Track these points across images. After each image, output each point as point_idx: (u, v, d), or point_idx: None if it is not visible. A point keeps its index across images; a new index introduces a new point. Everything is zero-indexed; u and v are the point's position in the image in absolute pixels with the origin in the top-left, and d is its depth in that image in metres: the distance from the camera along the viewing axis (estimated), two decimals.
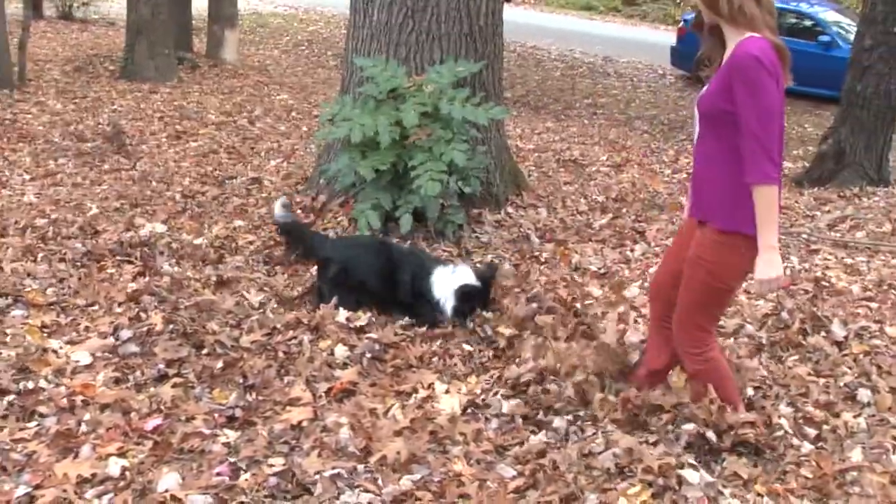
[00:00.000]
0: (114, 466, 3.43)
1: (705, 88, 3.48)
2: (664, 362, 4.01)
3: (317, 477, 3.42)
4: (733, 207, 3.38)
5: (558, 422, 3.86)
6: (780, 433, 3.77)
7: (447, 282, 4.88)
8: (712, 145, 3.45)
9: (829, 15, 17.11)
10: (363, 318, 4.83)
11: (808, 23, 16.88)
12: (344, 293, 5.00)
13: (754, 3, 3.31)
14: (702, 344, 3.65)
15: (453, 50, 6.43)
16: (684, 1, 29.39)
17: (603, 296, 5.28)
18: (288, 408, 3.97)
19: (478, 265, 5.39)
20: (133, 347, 4.40)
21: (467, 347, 4.63)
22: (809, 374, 4.37)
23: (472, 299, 4.87)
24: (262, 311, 4.91)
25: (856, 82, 8.98)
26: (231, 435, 3.74)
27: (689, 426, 3.66)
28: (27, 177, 7.94)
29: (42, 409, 3.80)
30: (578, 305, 5.00)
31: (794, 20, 17.11)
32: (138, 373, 4.20)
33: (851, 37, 10.21)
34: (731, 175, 3.36)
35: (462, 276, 4.91)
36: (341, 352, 4.47)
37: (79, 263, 5.48)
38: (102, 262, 5.51)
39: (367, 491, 3.37)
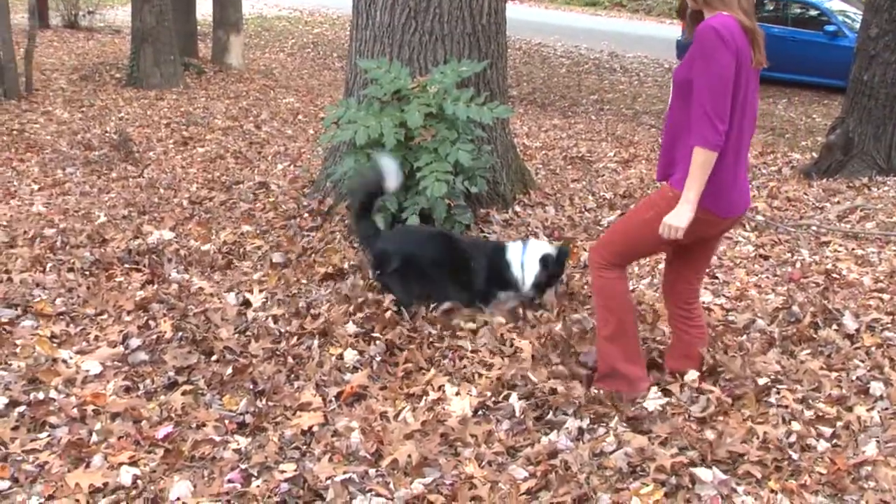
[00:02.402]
0: (125, 475, 3.43)
1: (681, 61, 3.65)
2: (680, 368, 4.15)
3: (328, 482, 3.41)
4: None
5: (570, 422, 3.84)
6: (793, 439, 3.72)
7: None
8: (681, 113, 3.61)
9: (834, 4, 17.05)
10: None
11: (813, 13, 16.84)
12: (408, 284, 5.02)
13: None
14: (610, 267, 3.88)
15: (456, 50, 6.42)
16: None
17: None
18: (298, 413, 3.96)
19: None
20: (142, 356, 4.41)
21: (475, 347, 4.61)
22: (822, 369, 4.33)
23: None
24: (272, 316, 4.90)
25: (862, 71, 8.92)
26: (242, 441, 3.74)
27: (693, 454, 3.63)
28: (35, 187, 7.96)
29: (53, 419, 3.81)
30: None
31: (799, 10, 17.08)
32: (148, 381, 4.20)
33: (857, 25, 10.14)
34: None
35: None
36: (351, 356, 4.46)
37: (87, 272, 5.49)
38: (111, 271, 5.51)
39: (378, 495, 3.36)
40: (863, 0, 11.23)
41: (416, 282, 4.97)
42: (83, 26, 20.77)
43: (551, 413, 3.93)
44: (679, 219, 3.51)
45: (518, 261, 4.92)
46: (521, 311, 5.03)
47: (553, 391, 4.03)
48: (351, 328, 4.70)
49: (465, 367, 4.40)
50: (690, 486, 3.37)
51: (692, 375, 4.09)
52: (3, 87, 11.95)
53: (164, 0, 13.44)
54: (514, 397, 4.06)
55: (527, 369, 4.25)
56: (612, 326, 3.95)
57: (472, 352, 4.55)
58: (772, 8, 17.54)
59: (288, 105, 12.92)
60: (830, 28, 16.05)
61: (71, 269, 5.51)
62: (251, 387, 4.17)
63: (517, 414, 3.94)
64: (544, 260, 4.87)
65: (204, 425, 3.83)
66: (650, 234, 3.66)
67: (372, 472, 3.51)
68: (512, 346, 4.58)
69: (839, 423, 3.86)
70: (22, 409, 3.86)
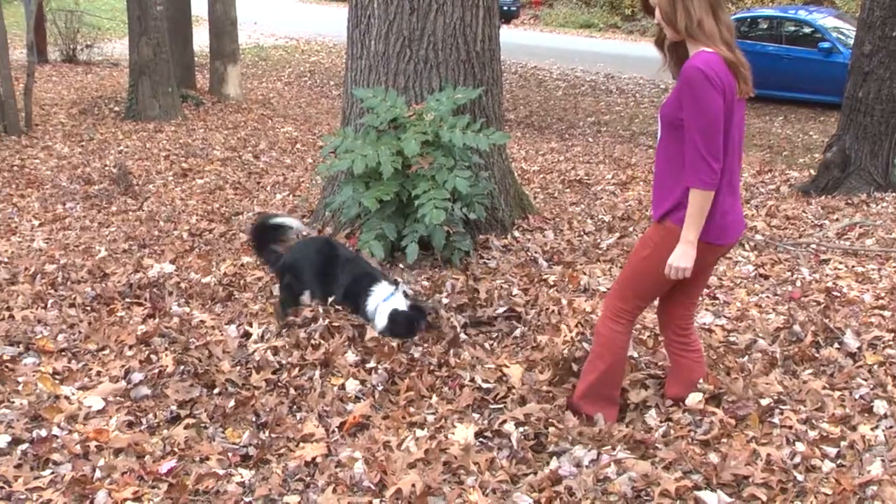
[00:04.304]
0: None
1: (667, 96, 3.68)
2: (680, 395, 4.14)
3: None
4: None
5: (571, 448, 3.82)
6: (798, 459, 3.71)
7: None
8: (671, 148, 3.62)
9: (828, 21, 17.13)
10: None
11: (807, 30, 16.91)
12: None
13: (713, 19, 3.45)
14: (618, 318, 3.92)
15: (451, 77, 6.45)
16: None
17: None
18: (301, 444, 3.96)
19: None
20: (145, 390, 4.40)
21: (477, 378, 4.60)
22: (825, 388, 4.33)
23: None
24: (272, 348, 4.90)
25: (857, 88, 8.95)
26: (245, 474, 3.73)
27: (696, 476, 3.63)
28: (36, 222, 7.99)
29: (56, 456, 3.79)
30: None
31: (793, 28, 17.16)
32: (151, 415, 4.19)
33: (851, 42, 10.18)
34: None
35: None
36: (352, 386, 4.46)
37: (89, 308, 5.49)
38: (112, 306, 5.51)
39: None
40: (856, 17, 11.27)
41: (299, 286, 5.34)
42: (81, 60, 20.89)
43: (551, 446, 3.91)
44: (684, 259, 3.56)
45: (375, 301, 5.03)
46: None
47: (548, 424, 4.02)
48: (351, 357, 4.70)
49: (465, 393, 4.39)
50: None
51: (697, 397, 4.08)
52: (4, 123, 12.01)
53: (161, 32, 13.52)
54: (510, 426, 4.05)
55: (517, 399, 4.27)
56: (597, 373, 4.01)
57: (470, 380, 4.55)
58: (766, 26, 17.63)
59: (286, 134, 12.97)
60: (825, 45, 16.11)
61: (72, 305, 5.51)
62: (254, 419, 4.17)
63: (514, 444, 3.91)
64: (392, 316, 4.93)
65: (207, 459, 3.82)
66: (651, 270, 3.72)
67: (376, 502, 3.50)
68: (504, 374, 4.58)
69: (844, 443, 3.85)
70: (25, 446, 3.84)
